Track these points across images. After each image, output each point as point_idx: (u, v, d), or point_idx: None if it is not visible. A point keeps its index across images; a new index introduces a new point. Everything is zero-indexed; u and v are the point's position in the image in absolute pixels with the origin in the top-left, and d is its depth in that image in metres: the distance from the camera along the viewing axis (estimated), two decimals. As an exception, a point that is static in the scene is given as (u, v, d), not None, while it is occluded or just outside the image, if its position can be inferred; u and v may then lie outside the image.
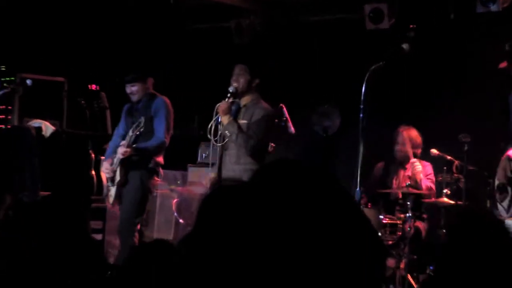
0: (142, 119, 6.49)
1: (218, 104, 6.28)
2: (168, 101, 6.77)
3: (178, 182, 8.52)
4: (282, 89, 8.29)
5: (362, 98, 5.76)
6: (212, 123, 6.30)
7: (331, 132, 7.84)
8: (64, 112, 8.26)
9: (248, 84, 6.31)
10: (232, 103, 6.32)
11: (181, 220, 8.22)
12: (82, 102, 8.20)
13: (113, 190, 6.72)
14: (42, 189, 6.92)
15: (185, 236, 2.16)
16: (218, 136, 6.30)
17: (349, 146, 6.91)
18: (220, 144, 6.28)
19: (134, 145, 6.54)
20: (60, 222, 3.01)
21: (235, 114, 6.31)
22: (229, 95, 6.26)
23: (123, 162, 6.62)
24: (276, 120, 6.88)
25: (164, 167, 6.95)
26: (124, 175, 6.64)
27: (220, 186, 3.90)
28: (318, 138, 7.91)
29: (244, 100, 6.35)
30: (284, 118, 7.11)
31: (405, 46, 6.03)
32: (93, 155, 7.68)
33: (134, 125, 6.53)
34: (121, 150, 6.57)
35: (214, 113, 6.31)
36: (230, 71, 6.41)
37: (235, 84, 6.27)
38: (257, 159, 6.18)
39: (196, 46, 9.42)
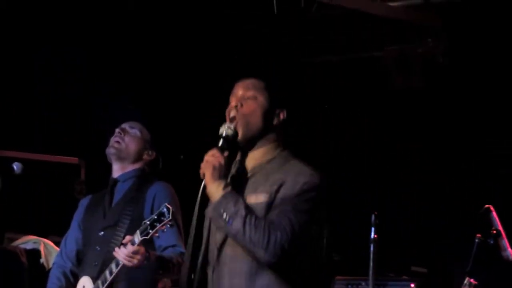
0: (167, 206, 3.49)
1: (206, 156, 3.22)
2: (172, 189, 4.01)
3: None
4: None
5: None
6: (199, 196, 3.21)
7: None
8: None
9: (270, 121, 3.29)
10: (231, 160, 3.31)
11: None
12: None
13: None
14: None
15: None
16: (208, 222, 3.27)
17: None
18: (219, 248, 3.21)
19: (157, 253, 3.71)
20: None
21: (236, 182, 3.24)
22: (221, 142, 3.19)
23: None
24: (479, 238, 3.95)
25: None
26: None
27: None
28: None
29: (257, 156, 3.29)
30: (495, 231, 3.92)
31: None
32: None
33: (150, 220, 3.47)
34: (124, 253, 3.55)
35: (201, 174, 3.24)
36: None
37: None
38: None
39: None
